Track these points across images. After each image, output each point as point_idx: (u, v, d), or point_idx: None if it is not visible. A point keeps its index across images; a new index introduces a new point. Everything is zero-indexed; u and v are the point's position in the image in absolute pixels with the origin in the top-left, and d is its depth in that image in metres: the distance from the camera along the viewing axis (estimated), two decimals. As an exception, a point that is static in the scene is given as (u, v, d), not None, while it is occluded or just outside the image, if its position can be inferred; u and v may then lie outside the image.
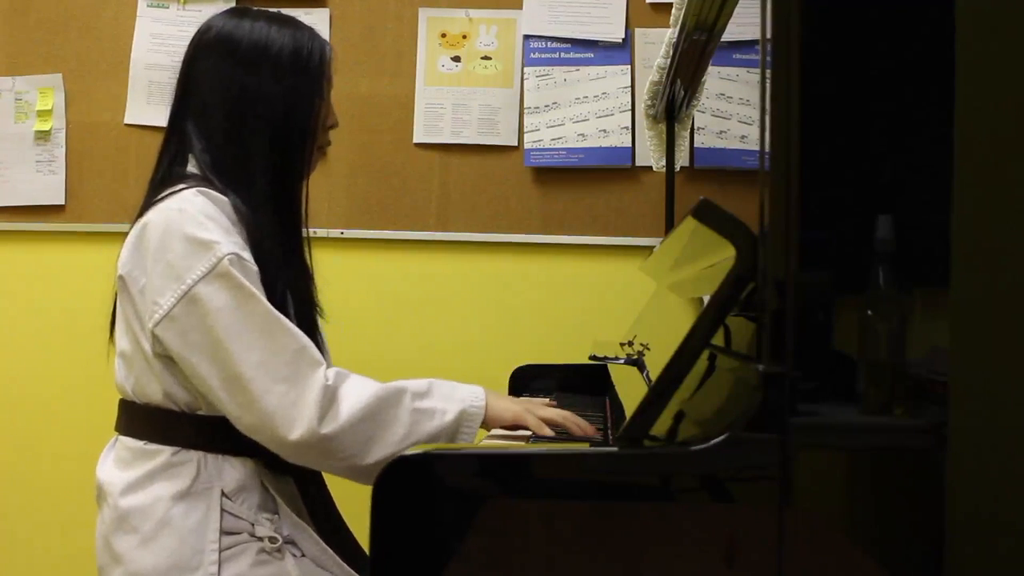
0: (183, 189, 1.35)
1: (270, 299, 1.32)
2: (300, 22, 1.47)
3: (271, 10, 1.47)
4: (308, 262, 1.53)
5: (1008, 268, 0.91)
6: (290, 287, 1.41)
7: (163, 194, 1.36)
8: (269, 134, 1.39)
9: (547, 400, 1.54)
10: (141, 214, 1.38)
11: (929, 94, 0.98)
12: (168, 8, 2.46)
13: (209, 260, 1.29)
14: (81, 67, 2.49)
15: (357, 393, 1.29)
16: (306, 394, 1.26)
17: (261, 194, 1.38)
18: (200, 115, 1.41)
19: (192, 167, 1.40)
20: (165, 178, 1.41)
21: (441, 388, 1.37)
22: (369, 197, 2.41)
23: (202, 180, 1.37)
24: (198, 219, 1.31)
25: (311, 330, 1.46)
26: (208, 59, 1.41)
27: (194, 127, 1.41)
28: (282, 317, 1.31)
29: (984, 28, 0.91)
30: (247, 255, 1.33)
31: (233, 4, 2.41)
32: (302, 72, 1.42)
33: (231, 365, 1.27)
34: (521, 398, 1.57)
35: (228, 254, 1.29)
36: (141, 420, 1.38)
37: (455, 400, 1.35)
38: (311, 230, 1.52)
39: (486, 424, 1.37)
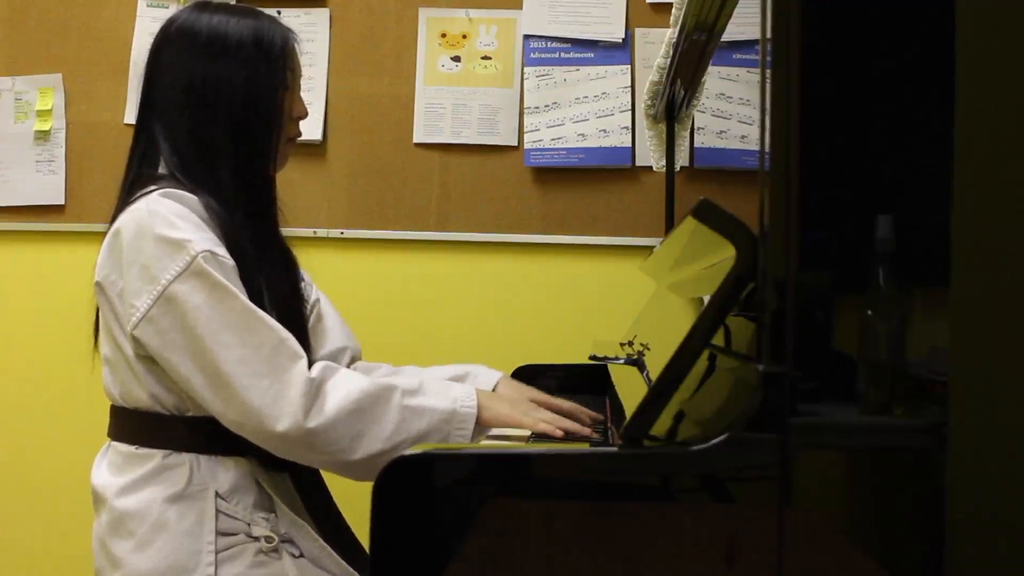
0: (151, 191, 1.35)
1: (248, 294, 1.32)
2: (262, 12, 1.47)
3: (234, 4, 1.47)
4: (290, 255, 1.53)
5: (1008, 268, 0.91)
6: (269, 281, 1.41)
7: (132, 197, 1.36)
8: (231, 124, 1.39)
9: (548, 397, 1.53)
10: (113, 219, 1.38)
11: (929, 94, 0.98)
12: (168, 8, 2.46)
13: (183, 259, 1.29)
14: (81, 67, 2.49)
15: (345, 388, 1.29)
16: (289, 388, 1.26)
17: (228, 188, 1.38)
18: (164, 111, 1.41)
19: (162, 168, 1.40)
20: (136, 180, 1.41)
21: (433, 386, 1.36)
22: (369, 197, 2.41)
23: (171, 180, 1.38)
24: (169, 219, 1.31)
25: (298, 322, 1.46)
26: (170, 53, 1.42)
27: (160, 125, 1.41)
28: (260, 312, 1.30)
29: (984, 28, 0.91)
30: (222, 251, 1.32)
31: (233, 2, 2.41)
32: (262, 59, 1.41)
33: (211, 362, 1.27)
34: (527, 389, 1.55)
35: (202, 251, 1.29)
36: (131, 425, 1.38)
37: (447, 399, 1.33)
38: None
39: (482, 424, 1.36)
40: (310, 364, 1.31)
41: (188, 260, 1.28)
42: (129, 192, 1.40)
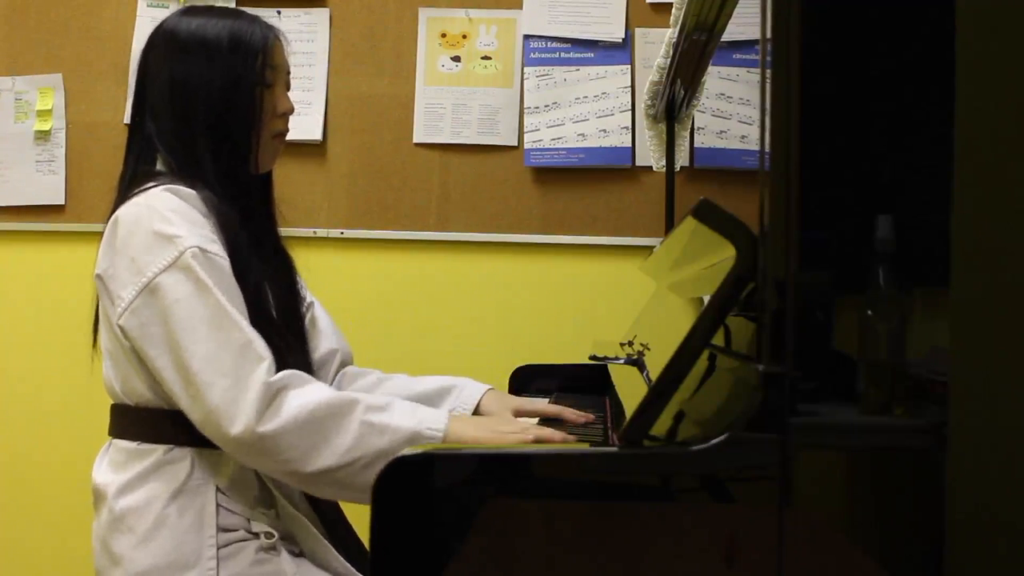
0: (152, 187, 1.36)
1: (243, 290, 1.33)
2: (244, 12, 1.48)
3: (220, 6, 1.48)
4: (287, 255, 1.54)
5: (1008, 268, 0.91)
6: (267, 278, 1.41)
7: (133, 192, 1.37)
8: (210, 123, 1.40)
9: (541, 405, 1.54)
10: (112, 213, 1.39)
11: (929, 94, 0.98)
12: (168, 8, 2.46)
13: (171, 253, 1.29)
14: (81, 67, 2.49)
15: (305, 397, 1.26)
16: (247, 390, 1.24)
17: (215, 185, 1.39)
18: (154, 113, 1.43)
19: (159, 165, 1.42)
20: (133, 177, 1.42)
21: (402, 406, 1.32)
22: (369, 197, 2.41)
23: (169, 176, 1.39)
24: (164, 215, 1.32)
25: (295, 321, 1.46)
26: (155, 56, 1.44)
27: (152, 126, 1.43)
28: (234, 312, 1.29)
29: (984, 28, 0.91)
30: (215, 247, 1.33)
31: (233, 4, 2.40)
32: (238, 58, 1.42)
33: (182, 357, 1.27)
34: (510, 400, 1.56)
35: (191, 247, 1.29)
36: (132, 421, 1.38)
37: (412, 419, 1.29)
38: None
39: None
40: (301, 367, 1.31)
41: (176, 255, 1.29)
42: (127, 188, 1.40)
